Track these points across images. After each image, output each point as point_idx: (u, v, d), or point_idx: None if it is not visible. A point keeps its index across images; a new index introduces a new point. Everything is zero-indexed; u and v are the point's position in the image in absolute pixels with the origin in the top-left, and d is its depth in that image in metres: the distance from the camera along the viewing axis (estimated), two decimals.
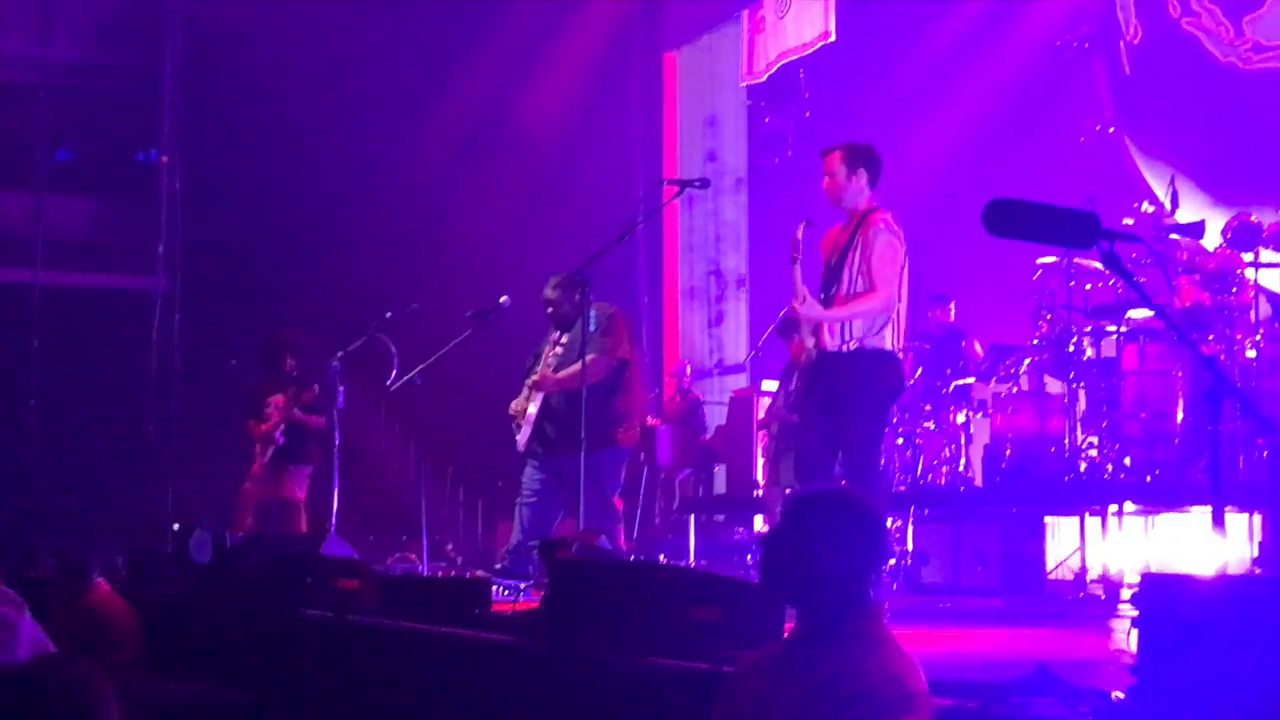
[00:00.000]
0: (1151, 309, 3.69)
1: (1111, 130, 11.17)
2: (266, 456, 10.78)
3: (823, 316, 6.94)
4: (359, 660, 6.18)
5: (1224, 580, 3.47)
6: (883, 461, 7.59)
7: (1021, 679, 3.67)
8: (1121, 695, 3.43)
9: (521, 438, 8.63)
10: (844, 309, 6.94)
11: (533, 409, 8.57)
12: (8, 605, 5.37)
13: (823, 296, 7.02)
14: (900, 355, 7.11)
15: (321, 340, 11.12)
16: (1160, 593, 3.44)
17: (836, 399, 6.93)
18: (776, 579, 3.37)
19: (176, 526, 8.37)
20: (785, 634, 4.50)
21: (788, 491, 7.35)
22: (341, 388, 9.97)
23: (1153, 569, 8.65)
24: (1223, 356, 8.50)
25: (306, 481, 10.92)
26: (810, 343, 7.01)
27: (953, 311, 11.33)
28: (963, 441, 10.43)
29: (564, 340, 8.57)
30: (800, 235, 7.06)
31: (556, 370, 8.51)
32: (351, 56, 14.86)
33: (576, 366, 8.08)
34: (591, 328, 8.23)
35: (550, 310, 8.65)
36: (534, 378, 8.58)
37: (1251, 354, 8.68)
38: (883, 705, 3.04)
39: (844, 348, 6.92)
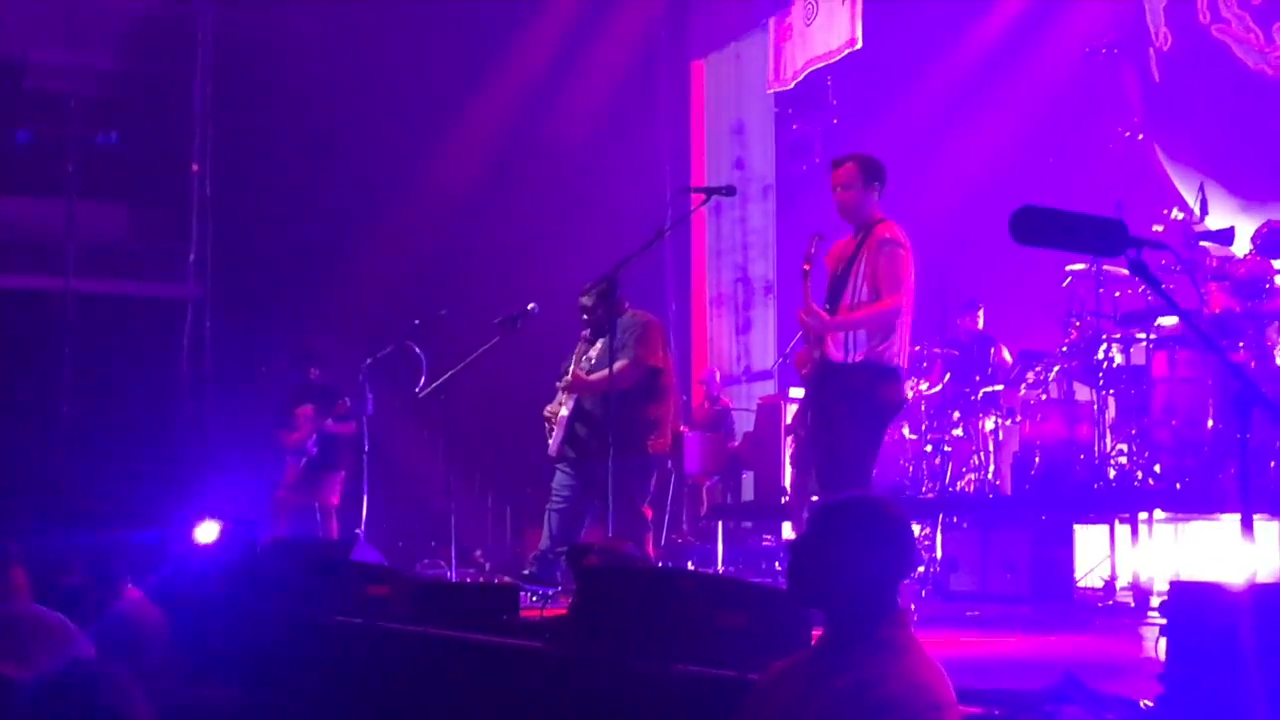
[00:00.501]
0: (1180, 316, 3.69)
1: (1140, 137, 11.15)
2: (300, 464, 10.86)
3: (829, 325, 6.95)
4: (388, 666, 6.20)
5: (1253, 588, 3.46)
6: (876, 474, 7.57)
7: (1050, 687, 3.67)
8: (1150, 703, 3.43)
9: (554, 441, 8.66)
10: (851, 317, 6.94)
11: (564, 413, 8.59)
12: (48, 616, 5.43)
13: (828, 308, 7.04)
14: (903, 369, 7.10)
15: (351, 347, 11.18)
16: (1189, 600, 3.44)
17: (835, 410, 6.93)
18: (804, 586, 3.38)
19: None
20: (812, 641, 4.51)
21: (814, 499, 7.34)
22: (370, 394, 10.03)
23: (1182, 577, 8.61)
24: (1252, 363, 8.47)
25: (339, 486, 11.00)
26: (816, 353, 7.02)
27: (981, 319, 11.31)
28: (991, 449, 10.42)
29: (597, 347, 8.60)
30: (813, 249, 7.09)
31: (589, 374, 8.54)
32: (382, 64, 14.90)
33: (606, 371, 8.11)
34: (620, 334, 8.26)
35: (585, 317, 8.68)
36: (566, 379, 8.61)
37: None
38: (910, 713, 3.05)
39: (848, 359, 6.93)
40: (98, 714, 2.88)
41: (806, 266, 7.03)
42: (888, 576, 3.26)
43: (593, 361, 8.60)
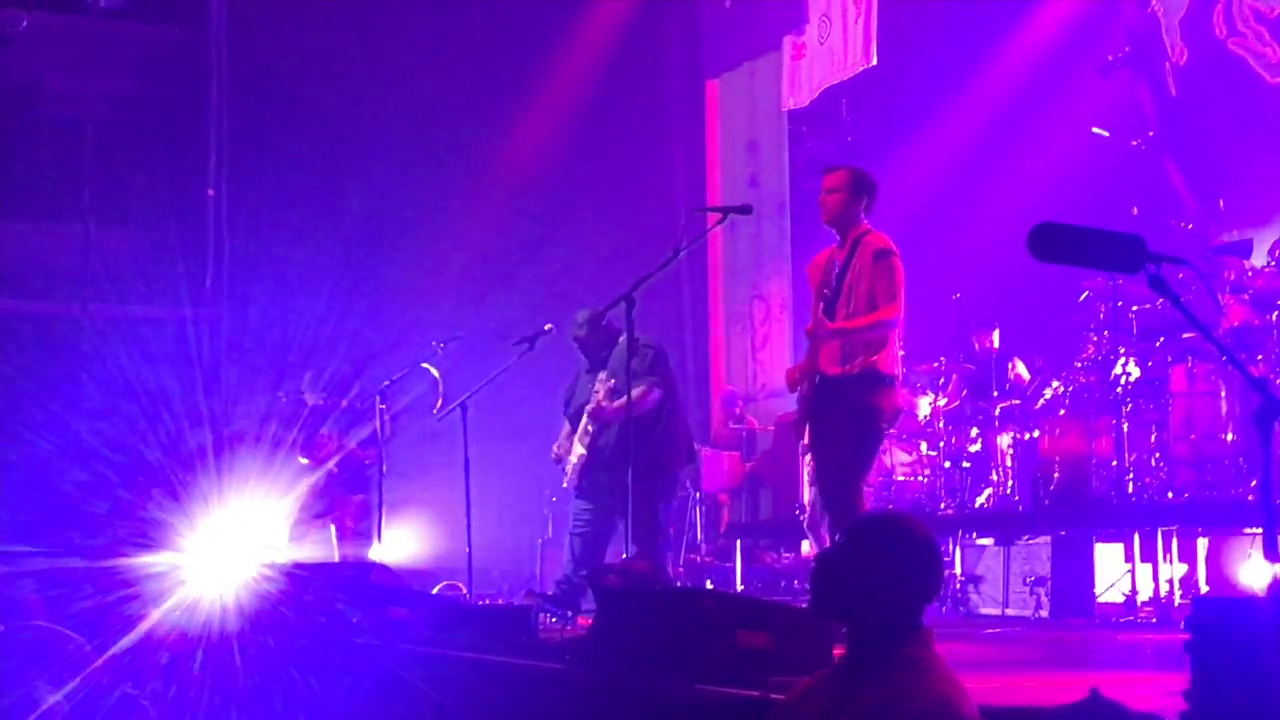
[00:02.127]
0: (1199, 330, 3.67)
1: (1157, 150, 11.13)
2: (319, 485, 10.89)
3: (835, 332, 6.95)
4: (408, 688, 6.20)
5: (1277, 603, 3.44)
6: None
7: (1074, 704, 3.65)
8: None
9: (572, 477, 8.65)
10: (853, 324, 6.94)
11: (580, 448, 8.58)
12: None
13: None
14: (898, 378, 7.12)
15: (368, 369, 11.19)
16: (1213, 616, 3.42)
17: (829, 422, 6.94)
18: (830, 602, 3.37)
19: None
20: (834, 660, 4.49)
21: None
22: (387, 416, 10.04)
23: (1203, 592, 8.58)
24: (1272, 376, 8.44)
25: (356, 509, 11.01)
26: (813, 370, 7.03)
27: (996, 338, 11.30)
28: (1010, 464, 10.39)
29: (600, 376, 8.57)
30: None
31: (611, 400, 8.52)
32: (397, 87, 14.94)
33: (621, 401, 8.13)
34: (634, 359, 8.27)
35: (578, 347, 8.70)
36: (590, 406, 8.55)
37: None
38: None
39: (845, 371, 6.93)
40: None
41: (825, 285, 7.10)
42: (915, 595, 3.25)
43: (610, 387, 8.57)
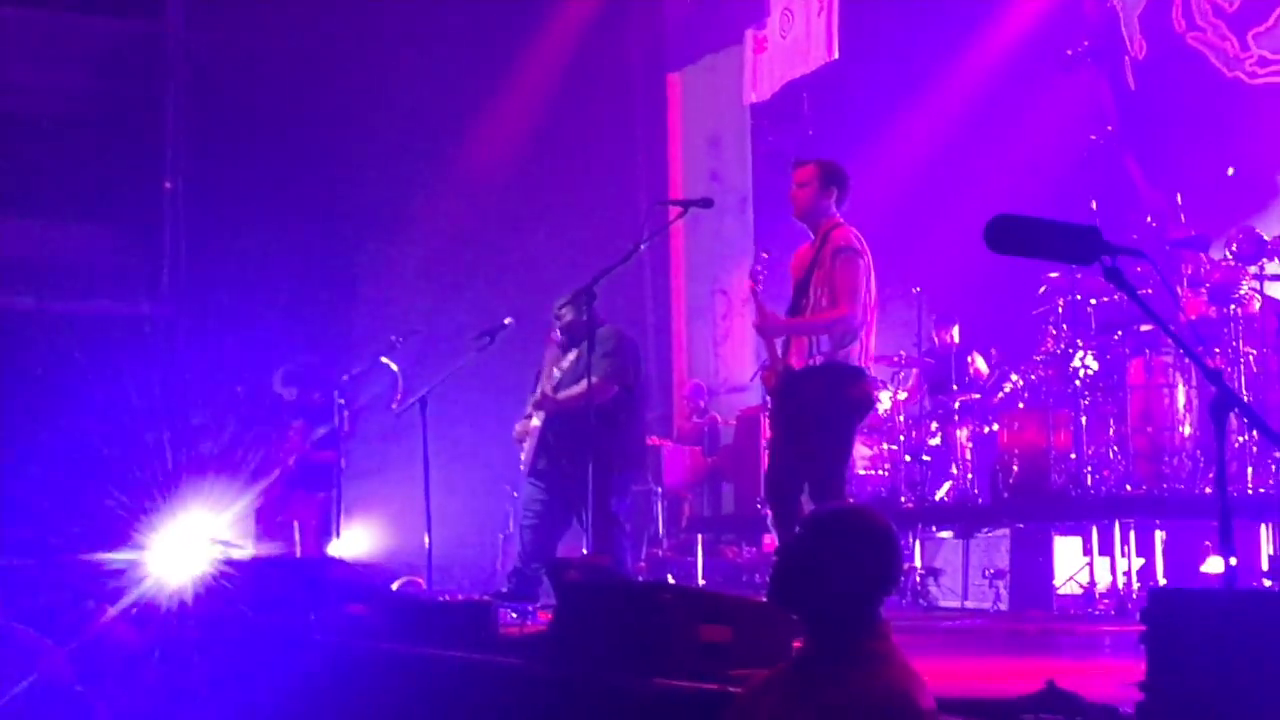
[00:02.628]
0: (1156, 323, 3.68)
1: (1115, 144, 11.18)
2: (282, 480, 10.87)
3: (782, 328, 6.96)
4: (367, 685, 6.17)
5: (1233, 594, 3.46)
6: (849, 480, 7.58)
7: (1031, 695, 3.66)
8: (1130, 711, 3.42)
9: (527, 457, 8.63)
10: (802, 321, 6.96)
11: (536, 422, 8.55)
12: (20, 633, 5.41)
13: (790, 316, 7.07)
14: (867, 370, 7.11)
15: (326, 364, 11.14)
16: (1169, 607, 3.43)
17: (802, 415, 6.93)
18: (789, 594, 3.36)
19: None
20: (793, 654, 4.49)
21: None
22: (347, 412, 9.99)
23: (1161, 583, 8.63)
24: (1228, 369, 8.49)
25: (319, 507, 10.97)
26: (780, 366, 7.02)
27: (956, 333, 11.32)
28: (969, 457, 10.42)
29: (569, 359, 8.57)
30: (760, 266, 7.15)
31: (558, 389, 8.51)
32: (355, 83, 14.87)
33: (579, 387, 8.10)
34: (596, 348, 8.25)
35: (560, 327, 8.65)
36: (535, 396, 8.58)
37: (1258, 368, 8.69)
38: None
39: (810, 363, 6.93)
40: None
41: (755, 284, 7.07)
42: (873, 587, 3.26)
43: (563, 372, 8.56)
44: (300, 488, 10.95)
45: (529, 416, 8.72)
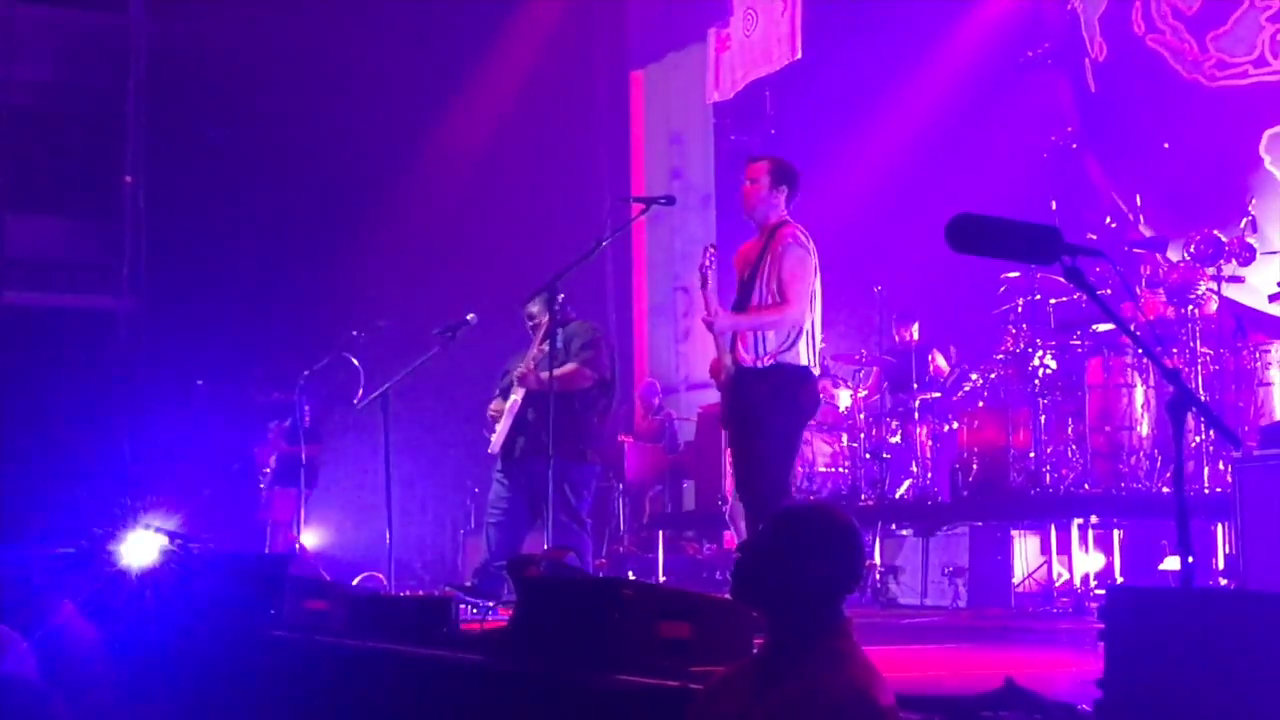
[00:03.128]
0: (1115, 322, 3.71)
1: (1075, 145, 11.24)
2: (259, 479, 10.98)
3: (729, 324, 6.97)
4: (327, 681, 6.15)
5: (1190, 592, 3.49)
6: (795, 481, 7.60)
7: (989, 693, 3.67)
8: (1089, 709, 3.44)
9: (496, 438, 8.60)
10: (750, 316, 6.97)
11: (516, 399, 8.52)
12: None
13: (736, 310, 7.08)
14: (815, 371, 7.12)
15: (288, 359, 11.10)
16: (1127, 605, 3.45)
17: (750, 415, 6.94)
18: (751, 590, 3.37)
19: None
20: (754, 650, 4.50)
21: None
22: (308, 407, 9.96)
23: (1119, 581, 8.70)
24: (1186, 370, 8.56)
25: (293, 504, 10.99)
26: (727, 360, 7.03)
27: (916, 331, 11.36)
28: (929, 455, 10.47)
29: (545, 347, 8.54)
30: (708, 260, 7.15)
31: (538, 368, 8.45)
32: (317, 75, 14.81)
33: (565, 368, 8.12)
34: (560, 343, 8.26)
35: (533, 325, 8.64)
36: (518, 370, 8.51)
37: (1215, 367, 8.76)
38: None
39: (758, 363, 6.94)
40: None
41: (704, 278, 7.08)
42: (837, 586, 3.27)
43: (541, 357, 8.54)
44: (274, 484, 11.00)
45: (501, 395, 8.70)
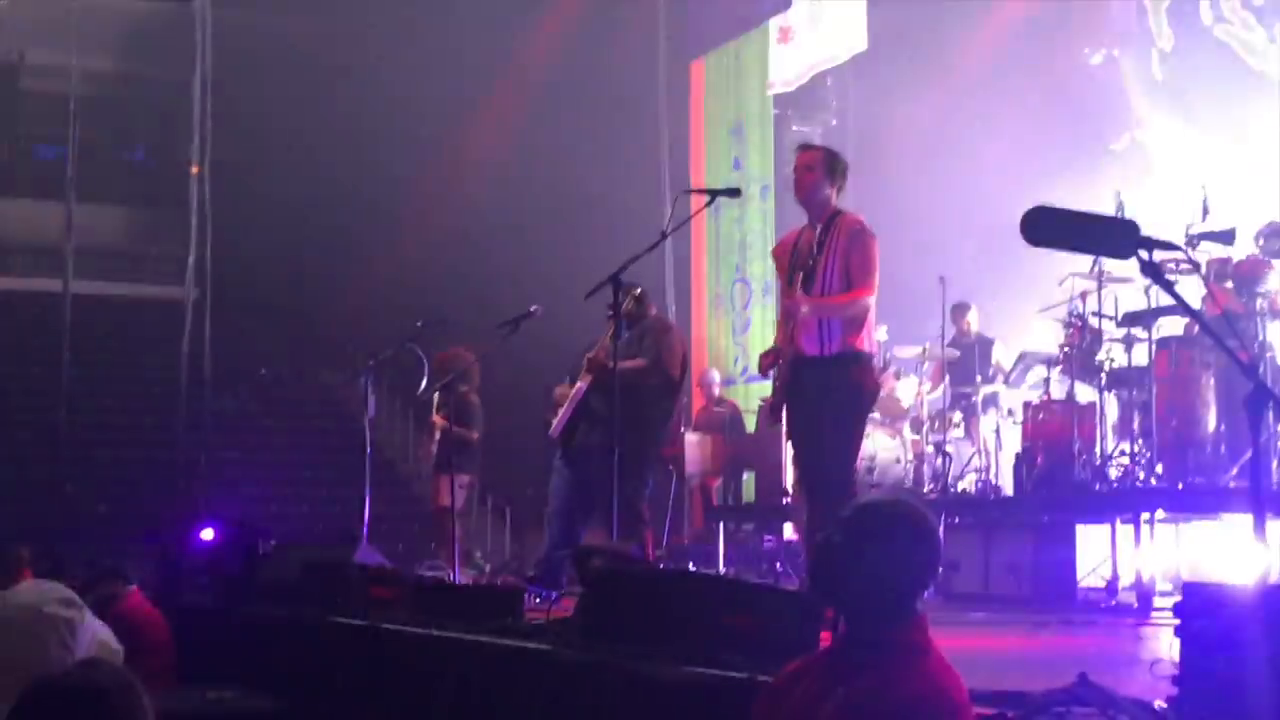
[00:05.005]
0: (1191, 316, 3.68)
1: (1142, 136, 11.15)
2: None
3: (815, 309, 6.93)
4: (392, 668, 6.19)
5: (1265, 588, 3.46)
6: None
7: (1063, 689, 3.66)
8: (1164, 704, 3.42)
9: (557, 422, 8.65)
10: (832, 301, 6.93)
11: (581, 383, 8.57)
12: (72, 609, 5.44)
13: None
14: (875, 357, 7.15)
15: (353, 348, 11.18)
16: (1202, 601, 3.43)
17: (817, 403, 6.92)
18: (831, 585, 3.34)
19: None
20: (819, 641, 4.49)
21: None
22: (372, 397, 10.00)
23: (1185, 577, 8.61)
24: (1258, 364, 8.47)
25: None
26: (789, 350, 7.01)
27: (976, 319, 11.29)
28: (993, 449, 10.41)
29: (622, 340, 8.57)
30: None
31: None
32: (383, 67, 14.91)
33: (635, 362, 8.17)
34: (644, 336, 8.34)
35: (610, 317, 8.66)
36: (591, 353, 8.56)
37: None
38: (928, 716, 3.03)
39: (824, 352, 6.93)
40: (102, 717, 2.88)
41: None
42: (914, 581, 3.24)
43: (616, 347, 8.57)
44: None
45: (570, 380, 8.76)
